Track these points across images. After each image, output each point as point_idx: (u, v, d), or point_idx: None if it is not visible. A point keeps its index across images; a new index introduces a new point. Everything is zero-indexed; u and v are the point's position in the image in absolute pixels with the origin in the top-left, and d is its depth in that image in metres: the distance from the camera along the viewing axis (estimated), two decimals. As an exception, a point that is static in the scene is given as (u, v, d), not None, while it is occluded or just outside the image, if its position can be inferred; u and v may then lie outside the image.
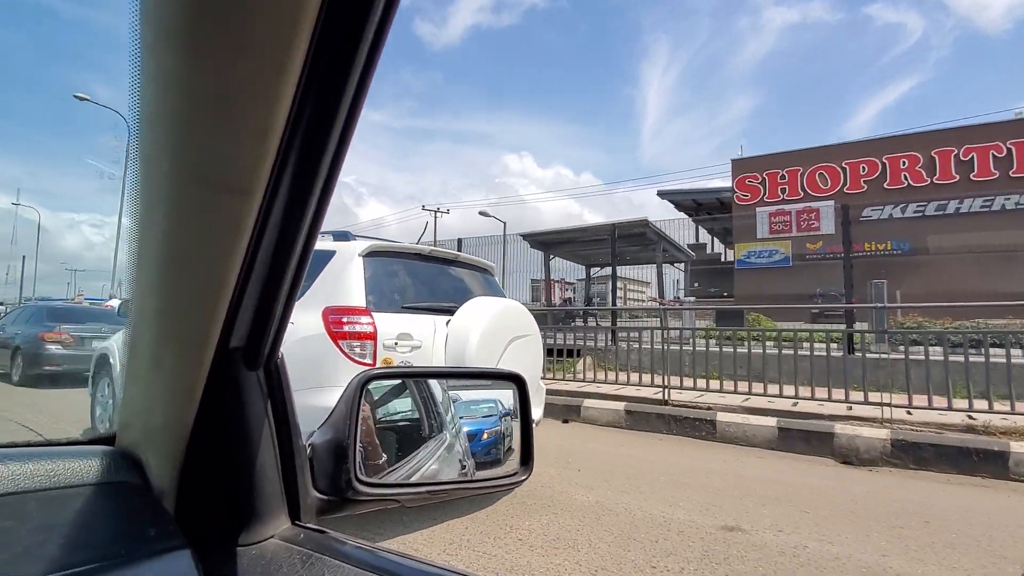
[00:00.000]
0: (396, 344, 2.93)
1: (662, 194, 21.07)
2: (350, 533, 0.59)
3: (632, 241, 14.37)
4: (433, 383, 0.99)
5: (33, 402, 6.54)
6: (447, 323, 3.11)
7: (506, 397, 0.94)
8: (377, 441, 0.78)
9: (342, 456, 0.62)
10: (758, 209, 17.99)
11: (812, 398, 5.40)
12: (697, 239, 21.77)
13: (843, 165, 16.97)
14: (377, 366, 2.79)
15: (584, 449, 4.86)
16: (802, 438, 4.85)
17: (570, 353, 7.96)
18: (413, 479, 0.80)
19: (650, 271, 19.46)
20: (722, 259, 21.68)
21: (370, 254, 3.04)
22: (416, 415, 0.93)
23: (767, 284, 16.84)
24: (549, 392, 6.80)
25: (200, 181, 0.39)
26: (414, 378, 0.96)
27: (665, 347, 6.48)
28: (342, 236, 3.26)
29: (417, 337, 3.02)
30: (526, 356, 3.37)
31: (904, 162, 16.23)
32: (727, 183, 19.71)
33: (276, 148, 0.38)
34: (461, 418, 0.98)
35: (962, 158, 15.42)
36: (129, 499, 0.56)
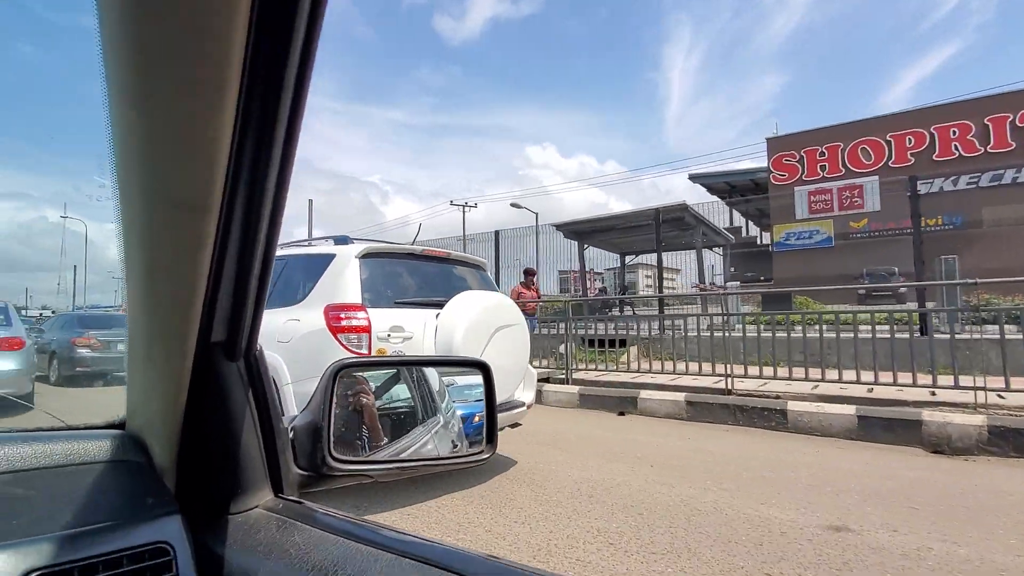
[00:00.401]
0: (389, 336, 3.23)
1: (694, 177, 20.49)
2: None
3: (670, 226, 13.96)
4: (430, 371, 1.08)
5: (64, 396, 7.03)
6: (436, 316, 3.36)
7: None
8: (379, 424, 0.85)
9: (318, 437, 0.70)
10: (796, 188, 17.38)
11: (894, 383, 5.06)
12: (731, 223, 21.17)
13: (888, 138, 16.24)
14: (372, 355, 3.09)
15: (649, 443, 4.65)
16: (884, 427, 4.54)
17: (612, 343, 7.74)
18: (402, 456, 0.87)
19: (679, 257, 18.93)
20: (758, 242, 21.06)
21: (365, 256, 3.33)
22: (412, 401, 1.01)
23: (808, 265, 16.26)
24: (601, 384, 6.61)
25: (164, 202, 0.45)
26: (385, 367, 1.02)
27: (726, 334, 6.20)
28: (341, 240, 3.54)
29: (409, 329, 3.32)
30: (511, 344, 3.57)
31: (955, 131, 15.42)
32: (760, 164, 19.09)
33: (224, 171, 0.44)
34: (455, 402, 1.05)
35: (1018, 124, 14.56)
36: (133, 475, 0.65)
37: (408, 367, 1.09)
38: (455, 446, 1.00)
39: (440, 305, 3.39)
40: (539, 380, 7.36)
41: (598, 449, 4.42)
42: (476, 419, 1.02)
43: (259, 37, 0.39)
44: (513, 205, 20.08)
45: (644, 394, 5.95)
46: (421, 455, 0.92)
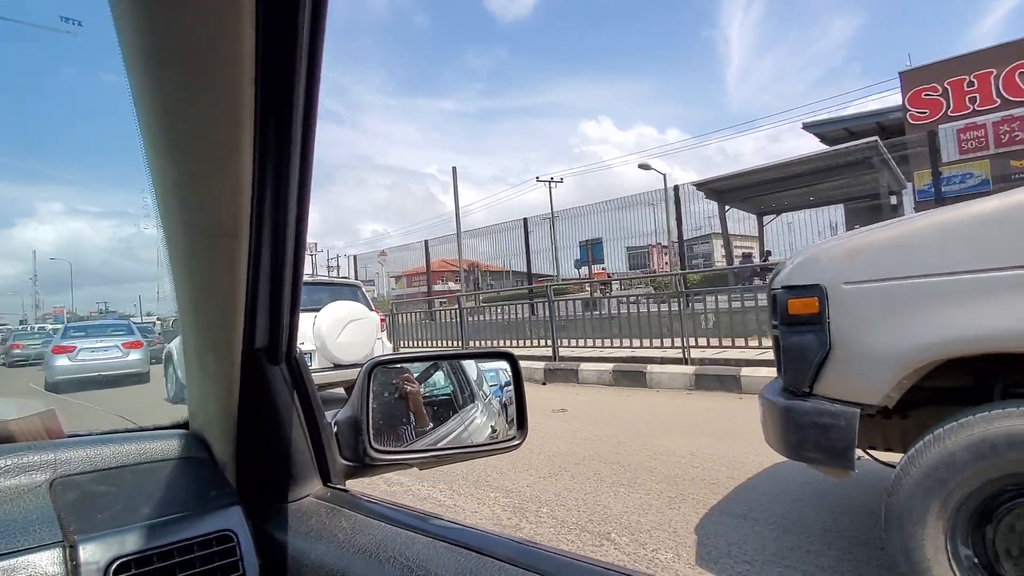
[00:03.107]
0: None
1: (808, 127, 18.38)
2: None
3: (849, 171, 11.87)
4: (467, 362, 1.15)
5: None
6: (315, 317, 5.98)
7: (505, 371, 0.98)
8: (424, 411, 0.92)
9: (358, 430, 0.75)
10: (941, 127, 15.18)
11: None
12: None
13: (1056, 57, 13.83)
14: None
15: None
16: None
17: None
18: (441, 444, 0.91)
19: (751, 224, 16.68)
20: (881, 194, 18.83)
21: None
22: (451, 389, 1.07)
23: (960, 215, 14.14)
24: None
25: (200, 231, 0.53)
26: (416, 362, 1.03)
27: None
28: None
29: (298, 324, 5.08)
30: (360, 330, 6.19)
31: None
32: (836, 112, 16.88)
33: (249, 201, 0.52)
34: (492, 387, 1.09)
35: None
36: (198, 471, 0.72)
37: (439, 360, 1.13)
38: (494, 431, 1.00)
39: (318, 310, 6.00)
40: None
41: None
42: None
43: (266, 91, 0.44)
44: (642, 167, 18.69)
45: None
46: (460, 441, 0.95)
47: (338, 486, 0.75)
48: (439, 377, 1.06)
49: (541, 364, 8.39)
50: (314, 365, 6.09)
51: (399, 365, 0.93)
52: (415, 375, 0.95)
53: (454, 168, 21.13)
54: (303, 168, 0.52)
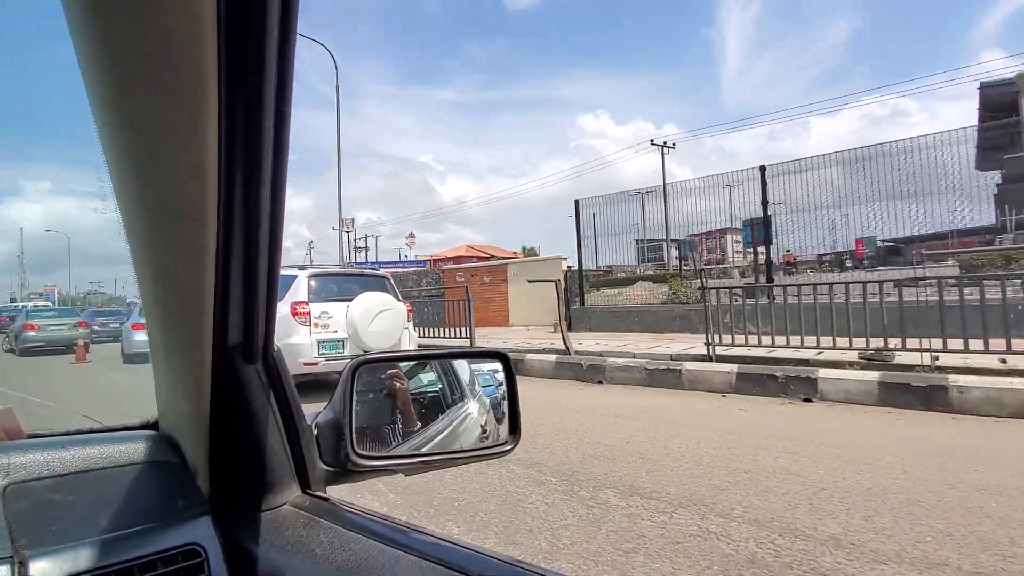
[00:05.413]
0: (320, 316, 6.40)
1: (985, 85, 15.12)
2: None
3: None
4: (458, 361, 1.11)
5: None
6: (347, 306, 6.47)
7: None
8: (412, 409, 0.87)
9: (340, 433, 0.71)
10: None
11: None
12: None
13: None
14: (314, 326, 6.26)
15: None
16: None
17: None
18: (426, 448, 0.86)
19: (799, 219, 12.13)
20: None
21: (312, 275, 6.68)
22: (441, 388, 1.03)
23: None
24: None
25: (160, 213, 0.48)
26: (403, 361, 0.98)
27: None
28: (301, 268, 6.78)
29: (331, 313, 6.48)
30: (389, 320, 6.68)
31: None
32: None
33: (215, 181, 0.46)
34: (482, 388, 1.04)
35: None
36: (167, 476, 0.65)
37: (429, 360, 1.08)
38: (483, 432, 0.97)
39: (350, 299, 6.52)
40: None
41: None
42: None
43: (231, 57, 0.39)
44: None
45: None
46: (448, 444, 0.92)
47: (318, 493, 0.70)
48: (429, 376, 1.02)
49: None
50: (346, 352, 6.40)
51: (385, 364, 0.88)
52: (403, 371, 0.91)
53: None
54: (277, 147, 0.47)
